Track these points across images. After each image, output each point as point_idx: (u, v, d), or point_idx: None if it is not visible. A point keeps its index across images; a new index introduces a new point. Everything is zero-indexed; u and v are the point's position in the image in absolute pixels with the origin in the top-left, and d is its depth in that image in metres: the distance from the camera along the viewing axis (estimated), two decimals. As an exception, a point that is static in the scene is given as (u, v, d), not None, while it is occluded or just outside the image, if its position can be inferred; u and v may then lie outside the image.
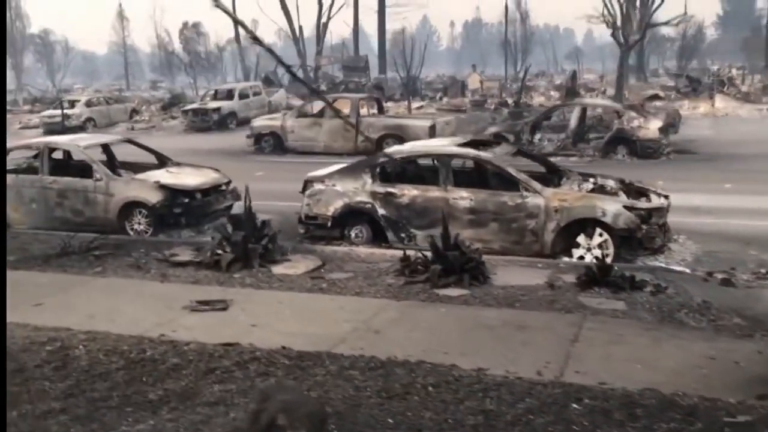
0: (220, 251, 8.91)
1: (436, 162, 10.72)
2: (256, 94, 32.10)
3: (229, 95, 31.78)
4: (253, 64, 59.98)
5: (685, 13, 32.49)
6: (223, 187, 12.14)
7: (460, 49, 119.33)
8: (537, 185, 9.45)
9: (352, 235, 10.38)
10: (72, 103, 33.67)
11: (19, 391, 5.12)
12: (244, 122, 30.28)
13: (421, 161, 10.82)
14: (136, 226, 11.33)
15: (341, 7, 52.94)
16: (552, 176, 10.55)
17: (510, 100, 34.34)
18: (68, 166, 12.30)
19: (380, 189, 10.15)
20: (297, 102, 35.54)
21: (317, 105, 23.54)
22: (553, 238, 9.29)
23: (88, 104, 33.73)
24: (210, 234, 11.52)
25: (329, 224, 10.42)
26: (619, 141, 18.81)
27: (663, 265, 9.05)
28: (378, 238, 10.29)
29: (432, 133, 20.51)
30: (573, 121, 19.53)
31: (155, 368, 5.63)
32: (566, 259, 9.22)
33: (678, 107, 27.22)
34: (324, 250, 9.76)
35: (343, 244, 10.29)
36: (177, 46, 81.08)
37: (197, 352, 6.03)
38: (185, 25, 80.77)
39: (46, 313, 7.28)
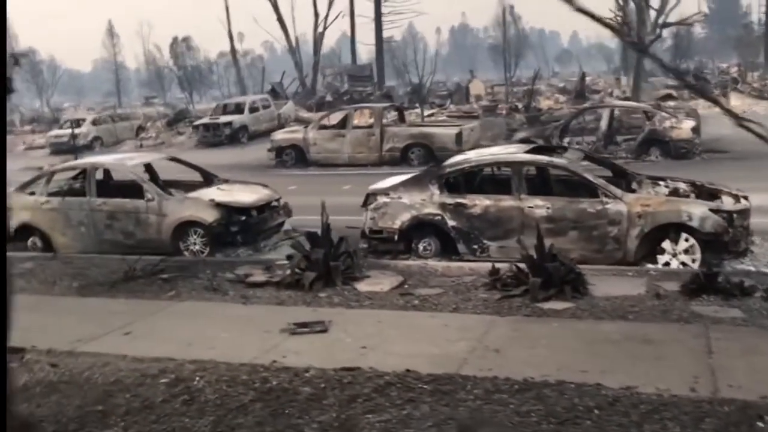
0: (299, 270, 8.60)
1: (499, 170, 10.50)
2: (265, 107, 31.80)
3: (237, 109, 31.44)
4: (245, 76, 59.81)
5: (699, 11, 32.47)
6: (275, 204, 11.84)
7: (447, 55, 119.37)
8: (617, 191, 9.21)
9: (420, 248, 10.10)
10: (77, 122, 33.25)
11: (165, 429, 4.80)
12: (255, 136, 30.13)
13: (487, 170, 10.55)
14: (191, 247, 11.01)
15: (337, 17, 52.87)
16: (620, 180, 10.31)
17: (520, 105, 34.18)
18: (114, 186, 11.95)
19: (449, 200, 9.88)
20: (305, 114, 35.34)
21: (336, 116, 23.30)
22: (637, 245, 9.03)
23: (95, 123, 33.36)
24: (267, 252, 11.26)
25: (396, 238, 10.13)
26: (652, 142, 18.64)
27: (752, 268, 8.81)
28: (447, 250, 10.02)
29: (459, 140, 20.31)
30: (604, 123, 19.35)
31: (292, 399, 5.32)
32: (652, 266, 8.95)
33: (694, 106, 27.10)
34: (397, 265, 9.47)
35: (411, 257, 10.01)
36: (167, 61, 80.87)
37: (323, 379, 5.73)
38: (175, 40, 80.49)
39: (140, 343, 6.96)
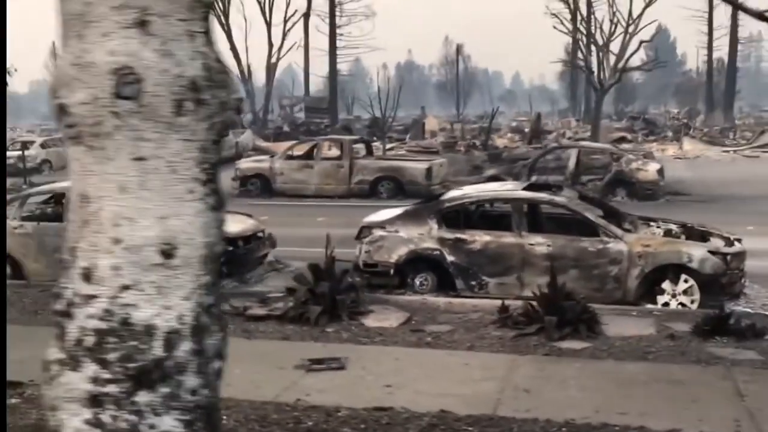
0: (302, 303, 8.33)
1: (492, 207, 10.50)
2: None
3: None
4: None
5: (656, 58, 33.70)
6: (260, 234, 11.54)
7: (392, 90, 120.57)
8: (617, 230, 9.30)
9: (417, 283, 9.96)
10: (25, 145, 32.08)
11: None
12: (214, 164, 29.58)
13: (486, 205, 10.54)
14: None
15: (291, 48, 52.98)
16: (611, 220, 10.42)
17: (477, 143, 34.66)
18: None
19: (449, 235, 9.79)
20: (262, 143, 35.02)
21: (302, 147, 23.13)
22: (636, 285, 9.10)
23: (44, 146, 32.24)
24: (253, 284, 10.93)
25: (392, 272, 9.97)
26: (618, 183, 19.05)
27: (749, 310, 8.97)
28: (443, 286, 9.90)
29: (429, 175, 20.39)
30: (572, 163, 19.70)
31: (335, 441, 5.07)
32: (652, 306, 9.02)
33: (648, 149, 27.97)
34: (398, 300, 9.31)
35: (407, 292, 9.85)
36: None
37: (359, 419, 5.49)
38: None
39: (148, 378, 6.57)
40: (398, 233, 10.00)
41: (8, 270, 11.14)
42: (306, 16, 53.25)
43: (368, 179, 20.86)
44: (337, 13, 54.53)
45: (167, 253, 1.73)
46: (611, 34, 28.10)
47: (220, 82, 1.84)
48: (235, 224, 11.35)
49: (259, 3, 52.06)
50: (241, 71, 50.54)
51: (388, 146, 33.16)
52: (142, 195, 1.69)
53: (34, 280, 10.74)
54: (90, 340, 1.70)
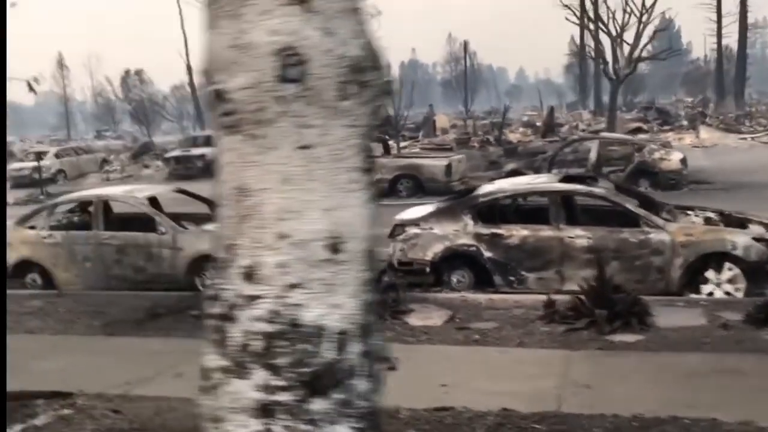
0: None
1: (525, 201, 10.36)
2: (237, 139, 31.31)
3: (208, 141, 30.86)
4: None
5: (671, 48, 33.43)
6: (291, 236, 11.41)
7: (396, 90, 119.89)
8: (659, 220, 9.14)
9: (453, 280, 9.82)
10: (40, 155, 32.12)
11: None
12: (228, 168, 29.55)
13: (521, 200, 10.39)
14: (207, 282, 10.47)
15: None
16: (650, 210, 10.24)
17: (491, 138, 34.49)
18: (122, 219, 11.36)
19: (485, 230, 9.65)
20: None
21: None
22: (680, 275, 8.93)
23: (58, 156, 32.32)
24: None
25: (427, 270, 9.83)
26: (641, 173, 18.85)
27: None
28: (481, 282, 9.76)
29: (448, 171, 20.25)
30: (593, 155, 19.49)
31: (405, 444, 4.94)
32: (697, 296, 8.86)
33: (665, 139, 27.73)
34: (436, 297, 9.18)
35: (443, 290, 9.71)
36: (118, 94, 79.68)
37: (423, 420, 5.37)
38: (127, 72, 79.43)
39: (197, 386, 6.45)
40: (433, 230, 9.86)
41: (39, 280, 11.10)
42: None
43: (387, 178, 20.70)
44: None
45: (335, 247, 1.60)
46: (625, 23, 27.87)
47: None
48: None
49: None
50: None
51: (402, 144, 33.07)
52: (307, 186, 1.56)
53: (64, 290, 10.66)
54: (257, 345, 1.57)
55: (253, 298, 1.59)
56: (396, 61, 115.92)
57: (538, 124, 43.41)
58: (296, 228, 1.54)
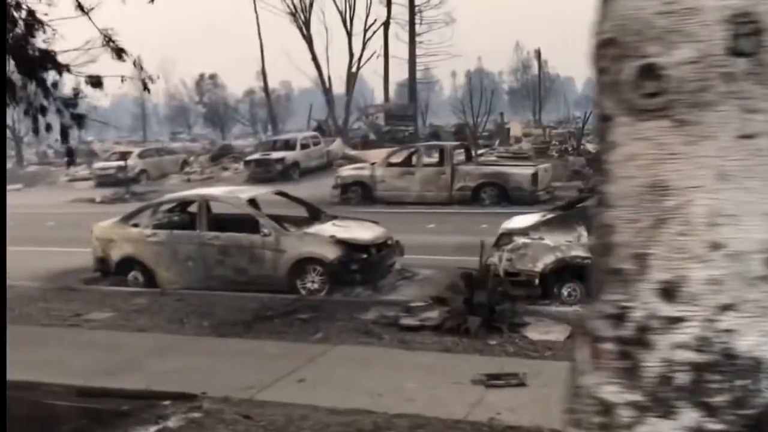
0: (456, 314, 7.94)
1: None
2: (315, 143, 31.45)
3: (287, 145, 31.11)
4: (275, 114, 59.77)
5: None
6: (390, 242, 11.23)
7: (463, 98, 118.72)
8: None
9: (564, 293, 9.43)
10: (123, 155, 32.99)
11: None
12: (305, 172, 29.69)
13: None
14: (309, 285, 10.38)
15: (370, 57, 52.86)
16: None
17: (569, 147, 33.71)
18: (223, 220, 11.37)
19: (600, 242, 9.21)
20: (350, 151, 34.95)
21: (401, 154, 22.87)
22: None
23: (141, 156, 33.05)
24: (387, 292, 10.62)
25: (536, 281, 9.47)
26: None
27: None
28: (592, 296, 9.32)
29: (535, 180, 19.76)
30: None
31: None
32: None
33: None
34: (549, 311, 8.81)
35: (554, 303, 9.33)
36: (192, 97, 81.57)
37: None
38: (202, 76, 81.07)
39: (322, 392, 6.29)
40: (543, 240, 9.51)
41: (140, 277, 11.19)
42: (386, 24, 53.14)
43: (470, 185, 20.37)
44: (417, 21, 54.29)
45: (772, 261, 1.33)
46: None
47: None
48: (367, 231, 11.12)
49: (341, 13, 52.19)
50: (322, 81, 50.79)
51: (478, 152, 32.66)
52: (746, 185, 1.31)
53: (167, 289, 10.71)
54: (684, 378, 1.32)
55: (675, 320, 1.33)
56: (462, 70, 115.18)
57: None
58: (732, 236, 1.28)
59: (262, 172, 28.86)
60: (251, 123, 72.80)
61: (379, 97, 58.33)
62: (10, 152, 52.04)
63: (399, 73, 54.84)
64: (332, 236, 10.52)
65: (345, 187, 21.95)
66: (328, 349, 7.55)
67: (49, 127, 8.82)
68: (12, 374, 7.00)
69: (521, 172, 20.14)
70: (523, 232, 9.74)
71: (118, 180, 29.90)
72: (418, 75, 57.86)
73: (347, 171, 22.95)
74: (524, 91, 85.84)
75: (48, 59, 8.13)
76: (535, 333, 7.77)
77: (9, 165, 39.19)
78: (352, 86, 53.23)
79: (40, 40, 8.01)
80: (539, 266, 9.46)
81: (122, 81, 9.31)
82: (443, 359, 7.15)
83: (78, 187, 32.45)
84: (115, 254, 11.27)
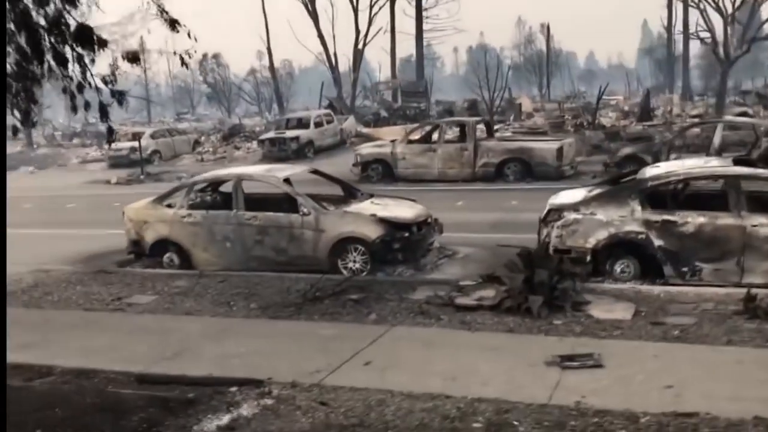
0: (516, 294, 7.70)
1: (688, 185, 9.61)
2: (328, 122, 31.06)
3: (300, 124, 30.72)
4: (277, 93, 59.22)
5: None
6: (429, 220, 10.97)
7: (465, 74, 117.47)
8: None
9: (617, 270, 9.18)
10: (135, 136, 32.64)
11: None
12: (319, 151, 29.38)
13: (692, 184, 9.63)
14: (350, 265, 10.13)
15: (377, 33, 52.15)
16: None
17: (585, 122, 33.31)
18: (261, 199, 11.09)
19: (655, 217, 8.95)
20: (363, 129, 34.56)
21: (421, 131, 22.52)
22: None
23: (153, 136, 32.71)
24: (429, 271, 10.37)
25: (588, 258, 9.22)
26: (770, 158, 17.65)
27: None
28: (646, 272, 9.09)
29: (560, 155, 19.44)
30: (717, 139, 18.39)
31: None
32: None
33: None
34: (605, 288, 8.56)
35: (608, 280, 9.08)
36: (195, 77, 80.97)
37: (673, 427, 4.83)
38: (205, 56, 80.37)
39: (393, 375, 6.08)
40: (595, 216, 9.23)
41: (176, 259, 10.96)
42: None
43: (494, 162, 20.05)
44: (426, -5, 53.57)
45: None
46: (737, 3, 26.21)
47: None
48: (408, 209, 10.85)
49: (347, -12, 51.43)
50: (329, 59, 50.17)
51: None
52: None
53: (205, 270, 10.48)
54: None
55: None
56: (462, 46, 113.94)
57: (625, 108, 41.91)
58: None
59: (277, 151, 28.55)
60: (256, 103, 72.34)
61: (383, 74, 57.67)
62: (20, 135, 51.62)
63: (401, 49, 54.21)
64: (373, 215, 10.26)
65: (365, 165, 21.63)
66: (387, 330, 7.33)
67: (87, 105, 8.52)
68: (66, 361, 6.84)
69: (546, 146, 19.81)
70: (574, 207, 9.45)
71: (131, 161, 29.63)
72: (411, 53, 57.25)
73: (367, 149, 22.61)
74: (529, 66, 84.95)
75: (87, 34, 7.82)
76: (599, 311, 7.54)
77: (18, 147, 38.92)
78: (359, 63, 52.61)
79: (77, 14, 7.69)
80: (591, 242, 9.20)
81: (160, 55, 9.09)
82: (509, 340, 6.93)
83: (90, 168, 32.18)
84: (150, 236, 11.03)
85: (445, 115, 34.14)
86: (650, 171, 9.72)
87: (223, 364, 6.50)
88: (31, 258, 12.14)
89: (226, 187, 11.36)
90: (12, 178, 31.04)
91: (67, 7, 7.38)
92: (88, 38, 6.58)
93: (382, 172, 21.35)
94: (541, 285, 7.64)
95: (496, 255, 11.01)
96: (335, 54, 52.46)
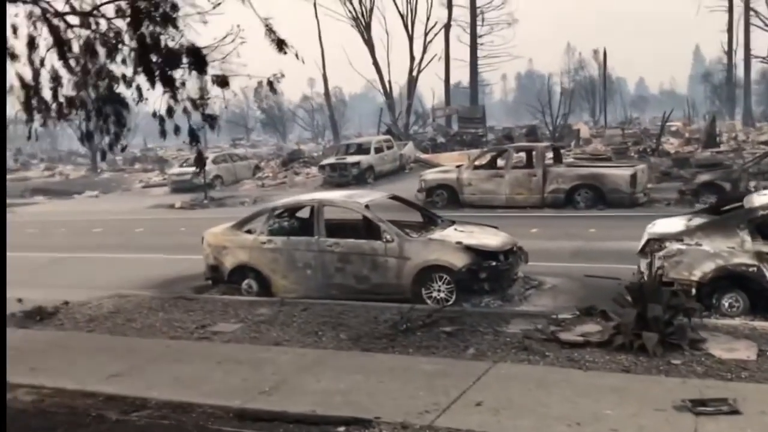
0: (628, 330, 7.21)
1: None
2: (388, 147, 30.91)
3: (360, 149, 30.61)
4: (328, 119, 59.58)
5: None
6: (515, 249, 10.53)
7: (513, 101, 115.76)
8: None
9: (725, 304, 8.61)
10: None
11: None
12: (380, 176, 29.18)
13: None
14: (435, 294, 9.76)
15: (431, 60, 52.05)
16: None
17: (648, 149, 32.46)
18: (341, 225, 10.84)
19: (768, 248, 8.39)
20: (421, 155, 34.29)
21: (486, 156, 22.14)
22: None
23: (215, 161, 32.98)
24: (518, 302, 9.93)
25: (693, 291, 8.66)
26: None
27: None
28: (758, 308, 8.50)
29: (633, 182, 18.80)
30: (802, 166, 17.58)
31: None
32: None
33: None
34: (716, 324, 7.98)
35: (714, 315, 8.50)
36: (250, 104, 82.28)
37: None
38: (260, 84, 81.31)
39: (509, 418, 5.67)
40: (701, 246, 8.70)
41: (255, 286, 10.74)
42: (447, 26, 52.39)
43: (564, 188, 19.52)
44: (479, 23, 53.46)
45: None
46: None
47: None
48: (493, 237, 10.47)
49: (402, 17, 51.62)
50: (383, 86, 50.25)
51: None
52: None
53: (283, 297, 10.23)
54: None
55: None
56: (512, 72, 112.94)
57: (686, 134, 40.84)
58: None
59: (338, 177, 28.50)
60: (311, 128, 72.93)
61: (435, 101, 57.52)
62: (80, 160, 52.95)
63: (452, 76, 54.03)
64: (459, 242, 9.89)
65: (430, 190, 21.33)
66: (490, 367, 6.90)
67: (177, 130, 8.41)
68: (159, 393, 6.59)
69: (619, 173, 19.21)
70: (677, 237, 8.94)
71: (193, 185, 29.88)
72: (466, 79, 57.01)
73: (432, 174, 22.31)
74: (582, 92, 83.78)
75: (178, 56, 7.70)
76: (719, 350, 6.99)
77: (82, 172, 39.83)
78: (413, 90, 52.61)
79: (170, 38, 7.59)
80: (696, 274, 8.67)
81: (249, 79, 8.94)
82: (628, 381, 6.43)
83: (153, 193, 32.58)
84: (229, 261, 10.85)
85: (504, 141, 33.68)
86: (759, 199, 9.14)
87: (325, 401, 6.16)
88: (106, 282, 12.13)
89: (304, 213, 11.14)
90: (78, 203, 31.76)
91: (165, 29, 7.29)
92: (200, 60, 6.41)
93: (447, 198, 21.01)
94: (655, 321, 7.13)
95: (585, 286, 10.56)
96: (389, 81, 52.58)
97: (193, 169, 31.24)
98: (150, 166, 43.69)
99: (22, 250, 17.28)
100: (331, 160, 30.08)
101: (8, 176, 46.19)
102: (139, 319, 9.34)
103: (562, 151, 33.24)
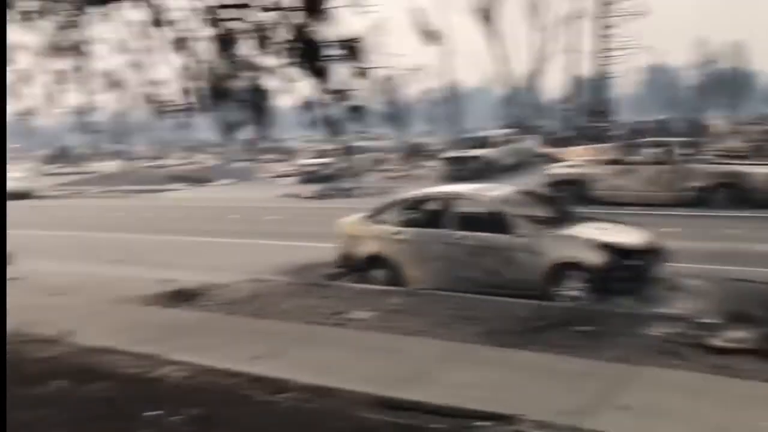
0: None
1: None
2: (510, 141, 30.54)
3: (482, 143, 30.39)
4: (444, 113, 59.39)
5: None
6: (655, 247, 10.10)
7: (641, 94, 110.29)
8: None
9: None
10: (323, 153, 33.87)
11: None
12: (502, 170, 28.82)
13: None
14: (566, 292, 9.52)
15: (557, 53, 50.81)
16: None
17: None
18: (470, 219, 10.78)
19: None
20: (543, 149, 33.58)
21: (616, 151, 21.40)
22: None
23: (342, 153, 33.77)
24: (660, 304, 9.51)
25: None
26: None
27: None
28: None
29: (778, 181, 17.57)
30: None
31: None
32: None
33: None
34: None
35: None
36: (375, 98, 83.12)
37: None
38: (387, 78, 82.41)
39: (662, 427, 5.45)
40: None
41: (385, 276, 10.87)
42: (575, 19, 50.94)
43: (701, 186, 18.56)
44: (608, 14, 51.64)
45: None
46: None
47: None
48: (630, 234, 10.09)
49: (531, 8, 50.68)
50: (505, 79, 49.64)
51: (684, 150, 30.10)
52: None
53: (413, 288, 10.31)
54: None
55: None
56: (641, 64, 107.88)
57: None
58: None
59: (460, 170, 28.40)
60: (430, 121, 73.11)
61: (558, 94, 56.11)
62: (217, 150, 55.55)
63: (579, 68, 52.57)
64: (595, 239, 9.60)
65: (556, 185, 20.84)
66: (635, 371, 6.65)
67: (325, 121, 8.64)
68: (300, 376, 6.80)
69: (762, 171, 18.02)
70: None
71: (321, 176, 30.71)
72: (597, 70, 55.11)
73: (558, 169, 21.83)
74: (715, 86, 79.06)
75: (357, 46, 7.83)
76: None
77: (217, 161, 41.79)
78: (537, 83, 51.62)
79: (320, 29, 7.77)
80: None
81: (388, 72, 9.04)
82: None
83: (282, 182, 33.68)
84: (361, 251, 11.06)
85: (634, 135, 32.40)
86: None
87: (463, 394, 6.16)
88: (242, 267, 12.65)
89: (435, 205, 11.16)
90: (213, 190, 33.40)
91: (314, 20, 7.48)
92: (358, 51, 6.56)
93: (574, 194, 20.45)
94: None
95: (727, 289, 9.98)
96: (512, 75, 51.83)
97: (321, 160, 32.23)
98: (281, 157, 45.24)
99: (166, 234, 18.46)
100: (453, 153, 30.04)
101: (149, 164, 49.29)
102: (277, 303, 9.69)
103: (697, 147, 31.78)
